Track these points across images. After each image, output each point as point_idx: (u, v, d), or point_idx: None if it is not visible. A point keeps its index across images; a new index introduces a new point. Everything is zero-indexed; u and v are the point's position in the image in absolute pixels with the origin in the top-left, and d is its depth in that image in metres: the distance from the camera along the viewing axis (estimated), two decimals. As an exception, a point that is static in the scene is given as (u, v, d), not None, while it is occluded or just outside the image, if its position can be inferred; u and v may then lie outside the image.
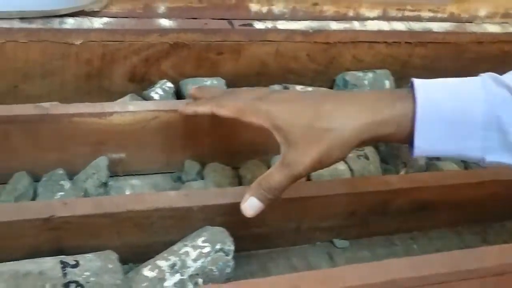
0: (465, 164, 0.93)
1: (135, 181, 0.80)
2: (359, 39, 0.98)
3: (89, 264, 0.62)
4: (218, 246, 0.67)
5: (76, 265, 0.61)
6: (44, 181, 0.74)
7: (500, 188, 0.83)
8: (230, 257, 0.67)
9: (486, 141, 0.58)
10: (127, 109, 0.76)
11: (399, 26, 1.01)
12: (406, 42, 1.01)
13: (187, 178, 0.81)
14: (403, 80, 1.03)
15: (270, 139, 0.80)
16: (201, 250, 0.66)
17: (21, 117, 0.71)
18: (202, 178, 0.81)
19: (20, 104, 0.74)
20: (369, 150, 0.88)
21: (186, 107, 0.74)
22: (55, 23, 0.80)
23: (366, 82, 0.97)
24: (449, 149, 0.59)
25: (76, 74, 0.85)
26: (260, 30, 0.91)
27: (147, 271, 0.64)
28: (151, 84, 0.89)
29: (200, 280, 0.65)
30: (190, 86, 0.88)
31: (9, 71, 0.81)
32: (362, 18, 0.99)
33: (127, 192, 0.78)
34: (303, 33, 0.93)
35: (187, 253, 0.66)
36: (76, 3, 0.80)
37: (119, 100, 0.85)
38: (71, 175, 0.76)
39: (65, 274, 0.60)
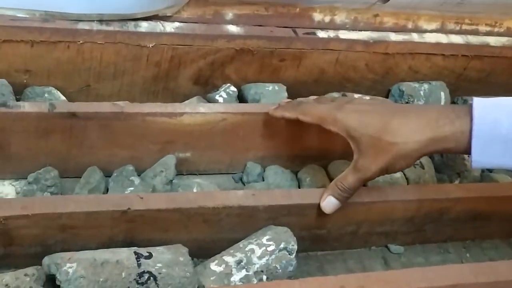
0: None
1: (199, 180, 0.82)
2: (417, 50, 1.00)
3: (161, 256, 0.64)
4: (282, 245, 0.69)
5: (149, 257, 0.64)
6: (115, 176, 0.77)
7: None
8: (293, 256, 0.69)
9: None
10: (198, 110, 0.79)
11: (457, 39, 1.02)
12: (463, 55, 1.02)
13: (248, 179, 0.84)
14: (458, 92, 1.04)
15: (328, 145, 0.84)
16: (266, 248, 0.69)
17: (99, 114, 0.74)
18: (263, 180, 0.84)
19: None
20: (424, 160, 0.90)
21: (275, 110, 0.79)
22: (131, 26, 0.83)
23: (422, 93, 0.99)
24: (505, 163, 0.64)
25: (145, 76, 0.88)
26: (322, 39, 0.93)
27: (215, 266, 0.67)
28: (214, 87, 0.92)
29: (264, 277, 0.67)
30: (253, 90, 0.91)
31: (85, 70, 0.84)
32: (420, 30, 1.01)
33: (195, 190, 0.80)
34: (364, 43, 0.96)
35: (252, 250, 0.68)
36: (152, 8, 0.83)
37: (187, 101, 0.88)
38: (138, 172, 0.79)
39: (139, 265, 0.62)
